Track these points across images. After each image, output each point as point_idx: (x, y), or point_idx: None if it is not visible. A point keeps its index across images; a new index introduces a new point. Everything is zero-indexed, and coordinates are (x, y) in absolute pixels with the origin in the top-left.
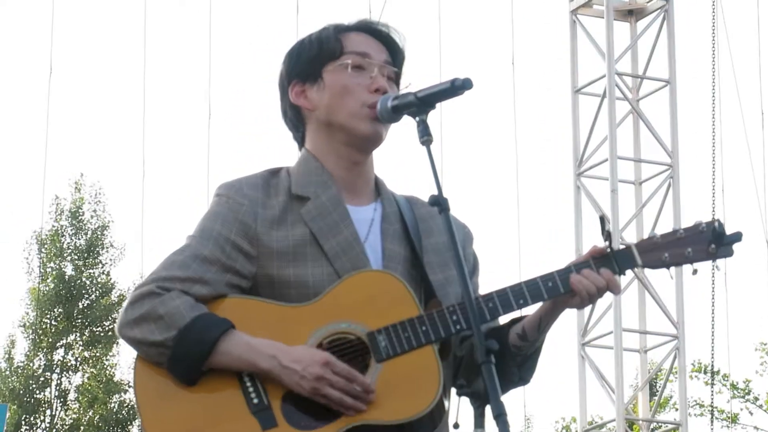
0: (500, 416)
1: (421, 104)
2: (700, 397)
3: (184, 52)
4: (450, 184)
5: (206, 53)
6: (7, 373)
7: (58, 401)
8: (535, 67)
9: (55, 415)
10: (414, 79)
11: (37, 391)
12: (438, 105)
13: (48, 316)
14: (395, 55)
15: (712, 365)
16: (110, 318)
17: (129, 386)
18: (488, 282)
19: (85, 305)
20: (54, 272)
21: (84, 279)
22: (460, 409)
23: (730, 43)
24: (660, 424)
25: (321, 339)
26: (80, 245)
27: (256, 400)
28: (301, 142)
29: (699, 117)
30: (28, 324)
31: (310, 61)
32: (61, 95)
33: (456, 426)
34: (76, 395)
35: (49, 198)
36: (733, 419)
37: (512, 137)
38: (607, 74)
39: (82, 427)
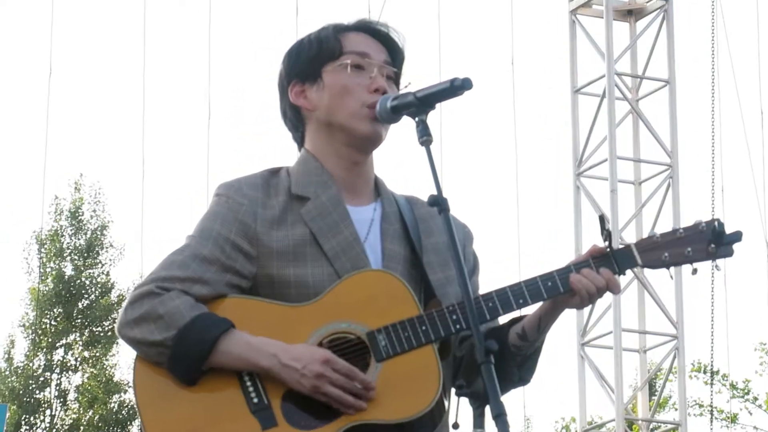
0: (500, 416)
1: (421, 104)
2: (699, 397)
3: (183, 53)
4: (450, 184)
5: (206, 53)
6: (7, 373)
7: (58, 401)
8: (535, 67)
9: (55, 415)
10: (413, 79)
11: (37, 391)
12: (437, 105)
13: (48, 316)
14: (395, 55)
15: (712, 365)
16: (110, 318)
17: (129, 386)
18: (488, 282)
19: (85, 305)
20: (54, 272)
21: (84, 279)
22: (459, 409)
23: (730, 43)
24: (659, 424)
25: (321, 339)
26: (80, 245)
27: (256, 400)
28: (300, 142)
29: (698, 117)
30: (27, 324)
31: (309, 61)
32: (60, 95)
33: (456, 426)
34: (76, 395)
35: (49, 198)
36: (733, 419)
37: (512, 137)
38: (607, 74)
39: (81, 427)
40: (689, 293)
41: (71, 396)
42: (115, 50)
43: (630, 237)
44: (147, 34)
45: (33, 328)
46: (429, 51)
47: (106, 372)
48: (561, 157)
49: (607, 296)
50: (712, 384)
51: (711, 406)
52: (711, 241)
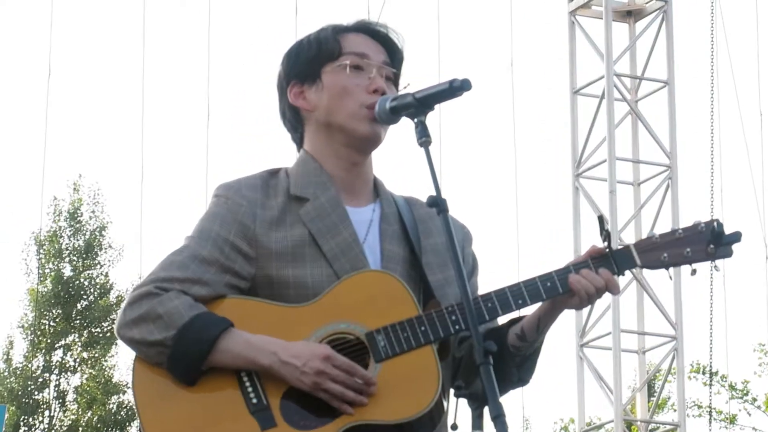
0: (498, 417)
1: (420, 105)
2: (698, 398)
3: (183, 54)
4: (449, 185)
5: (205, 54)
6: (6, 374)
7: (57, 402)
8: (534, 68)
9: (54, 416)
10: (412, 80)
11: (36, 392)
12: (436, 106)
13: (46, 316)
14: (394, 55)
15: (711, 366)
16: (109, 319)
17: (128, 387)
18: (487, 282)
19: (84, 306)
20: (52, 273)
21: (82, 280)
22: (458, 410)
23: (729, 44)
24: (658, 425)
25: (320, 339)
26: (79, 246)
27: (255, 400)
28: (299, 143)
29: (698, 118)
30: (26, 325)
31: (308, 61)
32: (59, 96)
33: (454, 427)
34: (75, 396)
35: (48, 199)
36: (732, 420)
37: (511, 138)
38: (606, 75)
39: (80, 428)
40: (688, 294)
41: (70, 397)
42: (115, 51)
43: (629, 238)
44: (146, 35)
45: (32, 328)
46: (428, 52)
47: (105, 373)
48: (560, 158)
49: (606, 297)
50: (711, 385)
51: (710, 407)
52: (710, 242)
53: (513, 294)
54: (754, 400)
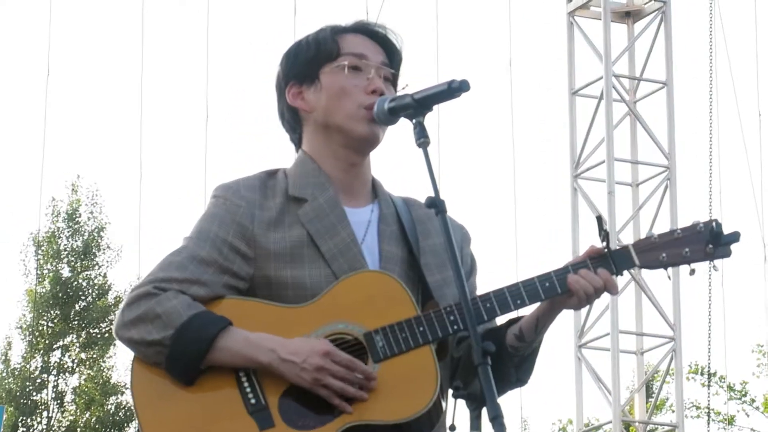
0: (497, 418)
1: (418, 106)
2: (696, 399)
3: (181, 54)
4: (447, 186)
5: (204, 55)
6: (4, 374)
7: (55, 403)
8: (533, 68)
9: (52, 416)
10: (411, 81)
11: (34, 393)
12: (435, 107)
13: (45, 317)
14: (392, 56)
15: (709, 367)
16: (107, 320)
17: (126, 388)
18: (486, 283)
19: (82, 307)
20: (51, 274)
21: (81, 280)
22: (456, 410)
23: (728, 44)
24: (656, 426)
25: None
26: (77, 247)
27: (253, 400)
28: (298, 144)
29: (696, 119)
30: (24, 326)
31: (307, 62)
32: (58, 97)
33: (452, 428)
34: (73, 397)
35: (46, 200)
36: (730, 421)
37: (509, 139)
38: (605, 76)
39: (78, 429)
40: (686, 295)
41: (68, 398)
42: (113, 51)
43: (627, 239)
44: (145, 36)
45: (30, 329)
46: (427, 52)
47: (103, 374)
48: (558, 159)
49: (605, 298)
50: (709, 386)
51: (708, 408)
52: (709, 242)
53: (511, 294)
54: (753, 401)
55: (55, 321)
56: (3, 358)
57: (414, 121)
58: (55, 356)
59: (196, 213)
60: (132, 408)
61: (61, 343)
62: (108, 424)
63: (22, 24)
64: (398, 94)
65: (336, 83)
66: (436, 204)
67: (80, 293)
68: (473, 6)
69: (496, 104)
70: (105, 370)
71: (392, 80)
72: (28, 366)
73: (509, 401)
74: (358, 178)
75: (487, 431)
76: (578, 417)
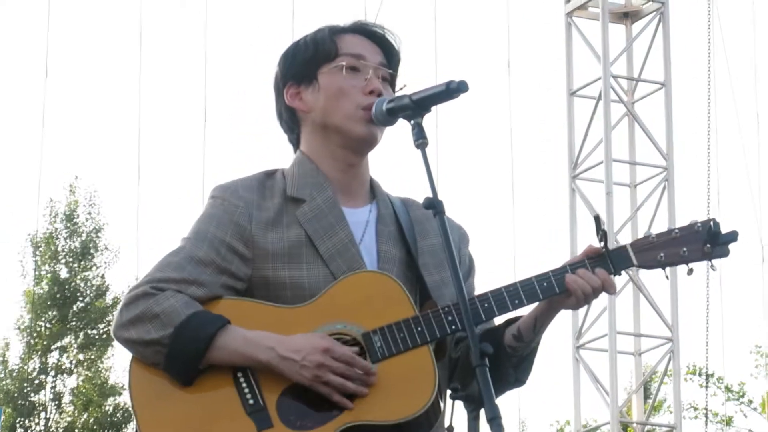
0: (494, 420)
1: (416, 107)
2: (694, 400)
3: (179, 55)
4: (446, 186)
5: (202, 55)
6: (2, 375)
7: (53, 404)
8: (531, 69)
9: (50, 418)
10: (409, 82)
11: (32, 394)
12: (433, 108)
13: (42, 318)
14: (390, 57)
15: (707, 368)
16: (105, 321)
17: (124, 389)
18: (484, 283)
19: (80, 308)
20: (48, 275)
21: (78, 281)
22: (454, 411)
23: (726, 45)
24: (654, 427)
25: None
26: (75, 248)
27: (251, 401)
28: (296, 144)
29: (694, 119)
30: (22, 327)
31: (305, 62)
32: (56, 98)
33: (450, 429)
34: (71, 398)
35: (44, 201)
36: (728, 422)
37: (508, 140)
38: (603, 77)
39: (76, 430)
40: (684, 296)
41: (66, 399)
42: (111, 52)
43: (625, 240)
44: (143, 36)
45: (28, 330)
46: (425, 53)
47: (101, 375)
48: (557, 160)
49: (602, 298)
50: (707, 387)
51: (706, 409)
52: (706, 242)
53: (509, 294)
54: (750, 402)
55: (53, 322)
56: (1, 359)
57: (412, 122)
58: (53, 357)
59: (195, 214)
60: (129, 409)
61: (59, 344)
62: (106, 425)
63: (20, 25)
64: (396, 94)
65: (334, 84)
66: (434, 205)
67: (78, 294)
68: (472, 7)
69: (495, 105)
70: (103, 371)
71: (390, 81)
72: (26, 367)
73: (507, 402)
74: (357, 179)
75: None
76: (576, 418)
